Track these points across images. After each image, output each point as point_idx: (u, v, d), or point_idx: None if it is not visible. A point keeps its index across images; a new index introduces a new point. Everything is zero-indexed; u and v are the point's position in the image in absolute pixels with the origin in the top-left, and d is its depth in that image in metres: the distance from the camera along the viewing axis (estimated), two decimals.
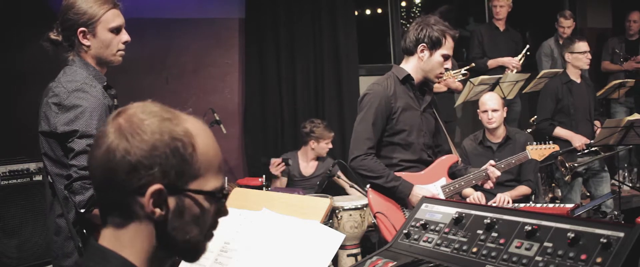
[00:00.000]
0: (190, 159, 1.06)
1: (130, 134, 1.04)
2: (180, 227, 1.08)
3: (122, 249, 1.08)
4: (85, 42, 2.16)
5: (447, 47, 2.94)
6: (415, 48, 2.96)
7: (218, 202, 1.12)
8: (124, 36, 2.22)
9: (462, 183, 3.04)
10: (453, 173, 3.10)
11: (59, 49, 2.20)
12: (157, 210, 1.05)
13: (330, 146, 4.84)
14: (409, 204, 2.91)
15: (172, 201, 1.06)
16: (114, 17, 2.18)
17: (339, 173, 4.65)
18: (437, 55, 2.94)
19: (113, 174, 1.04)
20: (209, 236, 1.14)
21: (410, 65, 3.00)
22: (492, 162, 3.13)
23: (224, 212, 1.14)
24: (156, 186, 1.03)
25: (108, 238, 1.09)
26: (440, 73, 3.00)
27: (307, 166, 4.88)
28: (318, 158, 4.91)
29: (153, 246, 1.08)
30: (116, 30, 2.19)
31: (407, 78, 2.99)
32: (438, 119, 3.16)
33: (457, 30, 3.00)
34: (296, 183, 4.81)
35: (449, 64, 3.00)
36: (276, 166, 4.63)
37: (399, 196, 2.91)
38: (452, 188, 3.01)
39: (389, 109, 2.93)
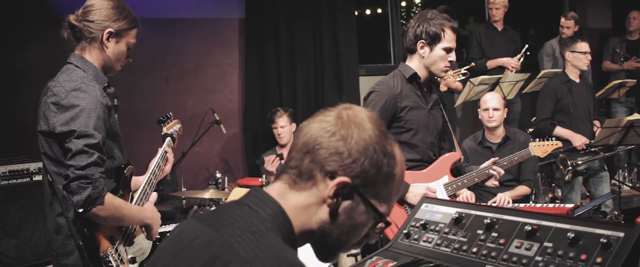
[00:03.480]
0: (385, 178, 1.14)
1: (354, 125, 1.12)
2: (341, 225, 1.14)
3: (283, 204, 1.12)
4: (106, 43, 2.19)
5: (448, 39, 2.90)
6: (415, 45, 2.94)
7: (374, 227, 1.18)
8: (131, 57, 2.32)
9: (465, 181, 3.04)
10: (456, 170, 3.10)
11: (72, 36, 2.21)
12: (333, 200, 1.11)
13: (280, 130, 4.84)
14: (406, 202, 2.91)
15: (350, 200, 1.12)
16: (134, 37, 2.28)
17: None
18: (438, 49, 2.90)
19: (318, 147, 1.11)
20: (346, 250, 1.19)
21: (415, 63, 2.98)
22: (494, 159, 3.13)
23: (370, 239, 1.21)
24: (346, 179, 1.10)
25: (275, 190, 1.15)
26: (445, 66, 2.96)
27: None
28: None
29: (308, 227, 1.13)
30: (129, 48, 2.28)
31: (414, 76, 2.97)
32: (445, 116, 3.15)
33: (455, 21, 2.96)
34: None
35: (453, 57, 2.94)
36: (272, 162, 4.68)
37: None
38: (454, 186, 3.01)
39: (395, 108, 2.92)
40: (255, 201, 1.12)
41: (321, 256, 1.19)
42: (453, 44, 2.92)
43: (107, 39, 2.19)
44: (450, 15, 3.03)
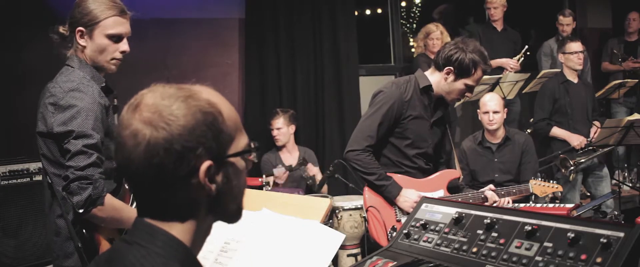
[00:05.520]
0: (223, 126, 1.07)
1: (164, 123, 1.02)
2: (230, 193, 1.11)
3: (170, 227, 1.08)
4: (81, 42, 2.17)
5: (474, 78, 2.89)
6: (443, 67, 2.91)
7: (247, 161, 1.15)
8: (123, 46, 2.20)
9: (459, 200, 3.04)
10: (452, 188, 3.11)
11: (63, 44, 2.21)
12: (212, 185, 1.06)
13: (276, 132, 4.87)
14: (396, 204, 2.93)
15: (220, 172, 1.08)
16: (115, 25, 2.16)
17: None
18: (461, 83, 2.90)
19: (161, 168, 1.02)
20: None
21: (434, 79, 2.97)
22: (491, 186, 3.17)
23: (251, 164, 1.18)
24: (206, 163, 1.04)
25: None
26: (458, 98, 2.99)
27: (288, 157, 4.95)
28: (299, 149, 4.98)
29: (203, 220, 1.10)
30: (114, 38, 2.17)
31: (427, 88, 2.97)
32: (447, 134, 3.16)
33: (489, 65, 2.95)
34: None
35: (470, 93, 2.96)
36: (282, 175, 4.68)
37: (387, 195, 2.92)
38: None
39: (400, 113, 2.92)
40: (144, 236, 1.07)
41: (232, 220, 1.17)
42: (476, 84, 2.94)
43: (81, 37, 2.17)
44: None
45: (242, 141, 1.12)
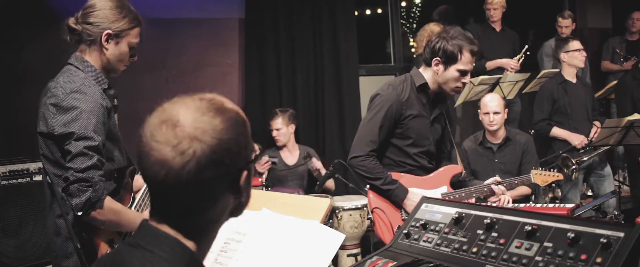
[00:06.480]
0: (248, 134, 1.11)
1: (211, 138, 1.03)
2: (246, 193, 1.13)
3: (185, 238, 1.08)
4: (105, 45, 2.17)
5: (464, 62, 2.86)
6: (431, 60, 2.91)
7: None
8: (135, 56, 2.29)
9: (463, 194, 3.04)
10: (455, 183, 3.11)
11: (72, 39, 2.20)
12: (245, 193, 1.10)
13: (275, 132, 4.88)
14: (403, 207, 2.93)
15: (244, 176, 1.10)
16: (136, 36, 2.25)
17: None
18: (452, 70, 2.88)
19: (209, 182, 1.04)
20: None
21: (428, 75, 2.97)
22: (497, 178, 3.13)
23: None
24: (245, 172, 1.08)
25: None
26: (456, 87, 2.96)
27: (288, 156, 4.95)
28: (300, 148, 4.99)
29: (219, 226, 1.13)
30: (132, 48, 2.25)
31: (423, 86, 2.97)
32: (447, 130, 3.15)
33: (476, 45, 2.92)
34: (282, 173, 4.87)
35: (467, 79, 2.93)
36: (263, 164, 4.68)
37: (394, 199, 2.93)
38: (452, 197, 3.02)
39: (399, 114, 2.92)
40: (148, 240, 1.06)
41: (238, 215, 1.17)
42: (469, 67, 2.90)
43: (106, 40, 2.17)
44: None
45: (252, 146, 1.14)
